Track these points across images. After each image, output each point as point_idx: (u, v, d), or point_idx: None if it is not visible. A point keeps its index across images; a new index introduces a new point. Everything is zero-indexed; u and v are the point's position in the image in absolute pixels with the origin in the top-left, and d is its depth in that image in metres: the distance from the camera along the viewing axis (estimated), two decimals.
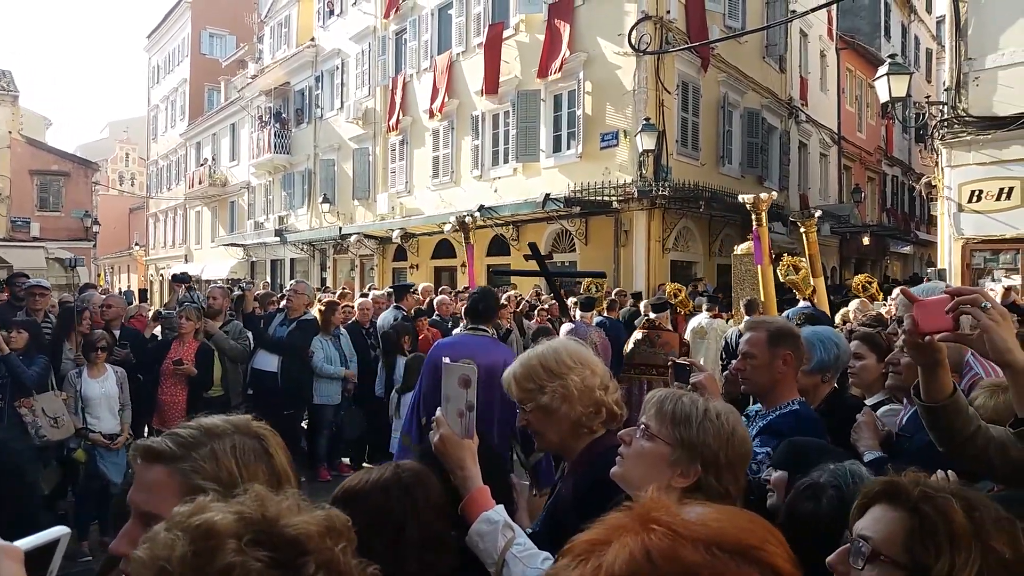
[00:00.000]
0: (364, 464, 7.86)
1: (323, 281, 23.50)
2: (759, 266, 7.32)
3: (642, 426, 1.72)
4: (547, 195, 14.77)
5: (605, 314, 9.59)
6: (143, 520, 1.17)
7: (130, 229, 48.69)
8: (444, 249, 19.96)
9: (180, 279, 9.23)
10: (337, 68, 24.53)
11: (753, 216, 7.18)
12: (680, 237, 16.35)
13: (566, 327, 7.09)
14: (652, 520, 0.74)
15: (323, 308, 7.83)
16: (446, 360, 1.94)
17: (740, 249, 10.33)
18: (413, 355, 7.02)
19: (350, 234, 21.49)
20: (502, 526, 1.71)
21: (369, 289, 11.75)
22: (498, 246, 17.87)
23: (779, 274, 8.10)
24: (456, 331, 6.21)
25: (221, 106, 33.63)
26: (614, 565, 0.70)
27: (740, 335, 2.83)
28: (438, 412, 1.86)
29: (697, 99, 16.62)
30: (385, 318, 8.52)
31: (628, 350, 7.46)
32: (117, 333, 6.59)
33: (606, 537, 0.74)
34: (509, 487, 2.12)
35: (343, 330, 7.97)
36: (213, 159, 33.94)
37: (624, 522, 0.76)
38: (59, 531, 0.73)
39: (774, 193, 8.70)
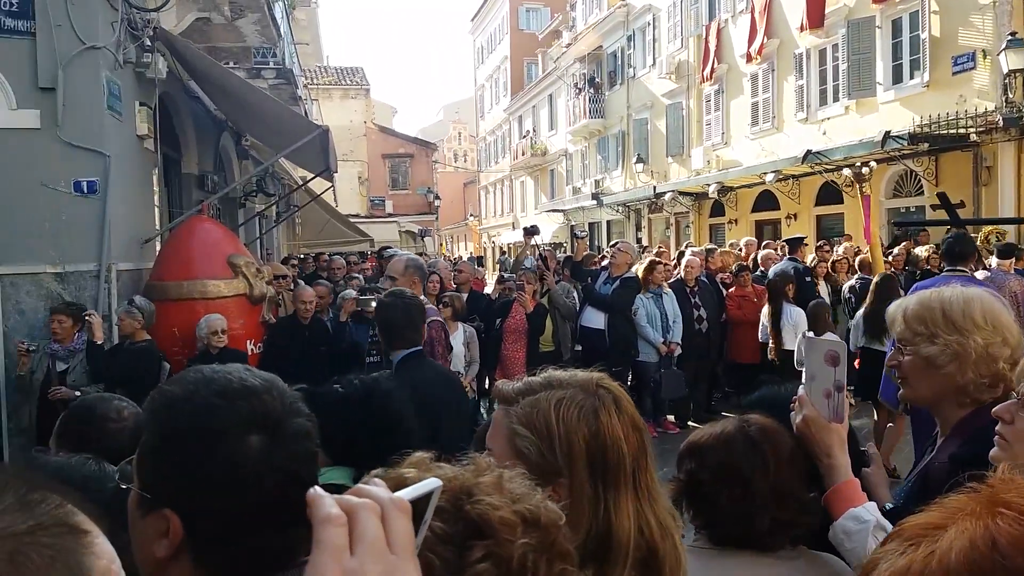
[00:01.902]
0: (689, 423, 7.83)
1: (639, 241, 23.75)
2: None
3: None
4: (887, 133, 13.13)
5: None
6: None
7: (464, 202, 53.96)
8: (765, 201, 18.92)
9: (531, 231, 9.40)
10: (648, 24, 24.35)
11: None
12: None
13: (980, 275, 6.38)
14: (1001, 503, 0.64)
15: (644, 267, 7.88)
16: (809, 334, 1.79)
17: None
18: (817, 302, 6.89)
19: (664, 192, 21.35)
20: (873, 527, 1.53)
21: (686, 247, 11.50)
22: (828, 195, 16.43)
23: None
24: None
25: (539, 78, 35.42)
26: (950, 554, 0.62)
27: None
28: (800, 390, 1.71)
29: None
30: (775, 269, 8.61)
31: None
32: (465, 296, 7.35)
33: (943, 521, 0.66)
34: (862, 477, 1.90)
35: (667, 289, 7.93)
36: (533, 130, 36.01)
37: (968, 504, 0.67)
38: (433, 483, 0.73)
39: None
